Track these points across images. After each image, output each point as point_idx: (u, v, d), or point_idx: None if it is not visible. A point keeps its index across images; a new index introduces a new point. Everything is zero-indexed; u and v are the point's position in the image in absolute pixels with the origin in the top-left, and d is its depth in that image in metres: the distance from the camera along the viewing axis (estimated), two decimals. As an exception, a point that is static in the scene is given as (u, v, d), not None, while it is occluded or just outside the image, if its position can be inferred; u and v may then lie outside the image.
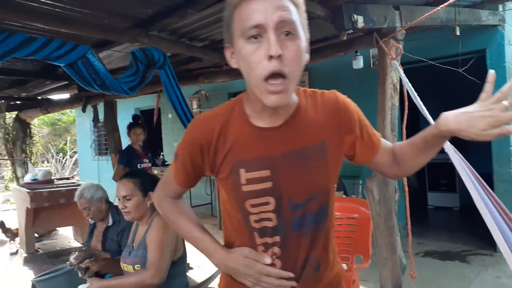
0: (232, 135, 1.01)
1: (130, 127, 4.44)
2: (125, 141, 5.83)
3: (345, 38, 2.41)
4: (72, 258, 2.54)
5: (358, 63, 3.42)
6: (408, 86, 2.25)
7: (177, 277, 2.11)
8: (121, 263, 2.13)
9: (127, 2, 2.34)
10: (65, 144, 16.96)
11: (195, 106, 7.64)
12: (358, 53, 3.72)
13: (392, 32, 2.65)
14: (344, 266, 1.09)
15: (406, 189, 2.55)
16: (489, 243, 4.52)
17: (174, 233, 2.05)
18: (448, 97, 7.50)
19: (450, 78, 4.56)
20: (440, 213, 6.72)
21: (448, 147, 1.80)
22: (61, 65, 2.30)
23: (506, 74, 4.37)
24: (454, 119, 0.92)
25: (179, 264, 2.13)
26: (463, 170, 1.67)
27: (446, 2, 2.93)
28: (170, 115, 8.30)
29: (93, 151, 10.20)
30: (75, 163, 13.02)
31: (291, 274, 1.00)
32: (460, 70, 4.27)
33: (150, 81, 2.85)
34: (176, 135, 8.31)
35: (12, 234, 5.80)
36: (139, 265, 1.99)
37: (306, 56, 0.95)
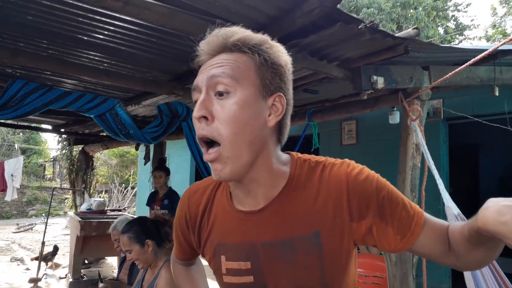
0: (215, 213, 0.91)
1: (153, 169, 4.55)
2: (176, 179, 6.13)
3: (365, 97, 2.45)
4: (101, 286, 2.76)
5: (395, 118, 3.39)
6: (424, 149, 2.22)
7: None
8: None
9: (164, 60, 2.61)
10: (130, 175, 18.02)
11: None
12: (395, 108, 3.68)
13: (418, 91, 2.64)
14: None
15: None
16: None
17: None
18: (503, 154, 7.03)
19: (509, 136, 4.32)
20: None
21: (452, 217, 1.73)
22: (91, 116, 2.60)
23: None
24: (496, 216, 0.63)
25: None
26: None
27: (483, 62, 2.87)
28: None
29: (150, 185, 10.76)
30: (135, 194, 13.75)
31: None
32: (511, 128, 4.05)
33: (179, 130, 3.09)
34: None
35: (50, 260, 6.23)
36: None
37: (267, 118, 0.79)
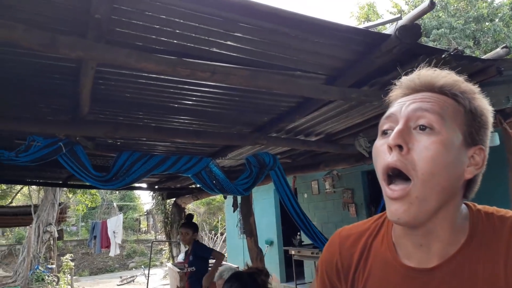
0: (374, 265, 0.82)
1: (180, 226, 4.31)
2: (262, 223, 6.16)
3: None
4: None
5: (494, 140, 3.13)
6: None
7: None
8: None
9: (246, 114, 2.74)
10: (218, 222, 18.53)
11: (328, 186, 7.74)
12: (493, 130, 3.38)
13: (519, 111, 2.44)
14: None
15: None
16: None
17: None
18: None
19: None
20: None
21: None
22: (189, 175, 2.79)
23: None
24: None
25: None
26: None
27: None
28: (305, 195, 8.53)
29: (238, 230, 10.94)
30: (225, 240, 14.04)
31: None
32: None
33: (265, 177, 3.17)
34: (312, 214, 8.42)
35: None
36: None
37: (465, 168, 0.72)
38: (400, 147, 0.69)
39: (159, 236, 14.75)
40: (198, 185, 6.57)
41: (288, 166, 4.39)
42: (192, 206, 17.52)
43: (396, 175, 0.70)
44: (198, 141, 2.86)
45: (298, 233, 8.41)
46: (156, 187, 6.24)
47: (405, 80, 0.78)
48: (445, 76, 0.75)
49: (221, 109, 2.60)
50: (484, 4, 13.29)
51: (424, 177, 0.67)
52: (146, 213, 22.64)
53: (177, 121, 2.80)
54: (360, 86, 2.17)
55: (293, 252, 7.60)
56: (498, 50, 2.06)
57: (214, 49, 1.76)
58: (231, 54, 1.81)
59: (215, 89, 2.24)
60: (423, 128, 0.69)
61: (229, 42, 1.72)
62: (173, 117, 2.72)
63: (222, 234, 16.06)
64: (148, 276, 6.73)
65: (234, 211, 5.70)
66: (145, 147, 3.38)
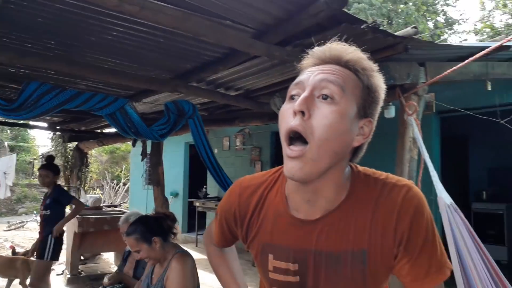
0: (267, 214, 0.93)
1: (39, 167, 4.16)
2: (170, 174, 6.19)
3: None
4: (106, 279, 2.83)
5: (390, 112, 3.49)
6: (420, 142, 2.33)
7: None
8: None
9: (168, 59, 2.66)
10: (121, 171, 17.96)
11: (238, 143, 7.95)
12: (391, 103, 3.78)
13: (415, 87, 2.75)
14: None
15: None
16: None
17: (194, 275, 2.23)
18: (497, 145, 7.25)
19: (496, 128, 4.47)
20: (487, 267, 6.31)
21: (442, 207, 1.83)
22: (102, 115, 2.66)
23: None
24: None
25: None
26: (450, 232, 1.70)
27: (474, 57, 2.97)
28: (216, 150, 8.68)
29: (143, 181, 10.77)
30: (127, 190, 13.74)
31: None
32: (502, 121, 4.20)
33: (183, 126, 3.17)
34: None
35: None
36: None
37: (355, 137, 0.82)
38: (303, 113, 0.76)
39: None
40: (104, 130, 6.28)
41: (204, 119, 4.40)
42: (95, 153, 16.68)
43: (296, 137, 0.78)
44: (114, 80, 2.72)
45: (205, 186, 8.60)
46: (58, 127, 5.80)
47: (316, 51, 0.86)
48: (352, 52, 0.84)
49: (143, 49, 2.49)
50: (402, -15, 14.22)
51: (319, 142, 0.76)
52: (41, 156, 20.96)
53: (91, 56, 2.61)
54: (284, 45, 2.25)
55: (197, 204, 7.80)
56: (408, 29, 2.28)
57: (145, -17, 1.67)
58: (162, -10, 1.74)
59: (139, 26, 2.13)
60: (325, 97, 0.77)
61: (162, -22, 1.65)
62: (88, 51, 2.53)
63: (124, 184, 15.66)
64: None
65: (142, 159, 5.59)
66: (51, 81, 3.11)
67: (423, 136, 2.61)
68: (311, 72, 0.81)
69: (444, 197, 1.97)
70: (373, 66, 0.86)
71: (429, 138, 5.11)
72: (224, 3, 1.87)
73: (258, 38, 2.18)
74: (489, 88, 3.18)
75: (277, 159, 7.36)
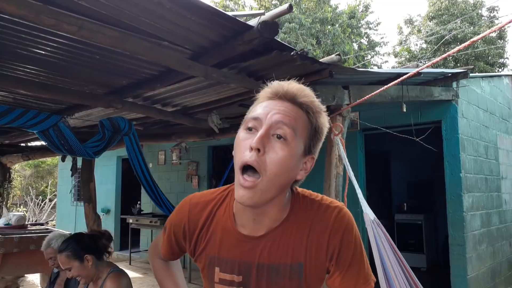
0: (215, 230, 1.02)
1: None
2: (101, 190, 5.95)
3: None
4: None
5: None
6: (345, 161, 2.55)
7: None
8: None
9: (104, 74, 2.66)
10: (46, 186, 16.83)
11: (174, 158, 7.89)
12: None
13: (340, 108, 3.00)
14: None
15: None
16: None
17: None
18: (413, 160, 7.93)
19: (413, 145, 4.92)
20: (408, 273, 6.81)
21: (368, 222, 2.03)
22: (34, 132, 2.58)
23: (459, 144, 4.76)
24: None
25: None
26: (375, 245, 1.90)
27: (392, 81, 3.31)
28: (151, 165, 8.51)
29: (72, 197, 10.23)
30: (54, 207, 12.91)
31: None
32: (417, 139, 4.66)
33: (118, 142, 3.14)
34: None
35: None
36: None
37: (299, 172, 0.93)
38: (258, 150, 0.87)
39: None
40: (30, 144, 5.93)
41: (140, 134, 4.35)
42: (18, 168, 15.48)
43: (249, 167, 0.88)
44: (46, 95, 2.65)
45: (139, 202, 8.38)
46: (-23, 141, 5.38)
47: (275, 85, 0.95)
48: (306, 95, 0.94)
49: (77, 64, 2.46)
50: (329, 8, 15.13)
51: (270, 176, 0.86)
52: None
53: (21, 70, 2.52)
54: (221, 67, 2.37)
55: (131, 221, 7.57)
56: (333, 57, 2.51)
57: (83, 3, 1.70)
58: (101, 11, 1.76)
59: (75, 42, 2.12)
60: (279, 137, 0.88)
61: (100, -1, 1.68)
62: (18, 65, 2.45)
63: (51, 200, 14.69)
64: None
65: (72, 175, 5.35)
66: (-25, 93, 2.94)
67: (348, 152, 2.85)
68: (269, 110, 0.90)
69: (368, 213, 2.18)
70: (322, 107, 0.97)
71: (354, 153, 5.50)
72: (162, 25, 1.94)
73: (196, 59, 2.27)
74: (404, 110, 3.54)
75: (214, 174, 7.41)
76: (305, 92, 0.95)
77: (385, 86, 2.37)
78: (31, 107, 2.87)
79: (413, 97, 3.92)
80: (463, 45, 1.78)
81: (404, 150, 7.65)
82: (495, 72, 14.39)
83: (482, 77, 5.84)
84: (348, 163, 2.56)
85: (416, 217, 7.17)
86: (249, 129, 0.90)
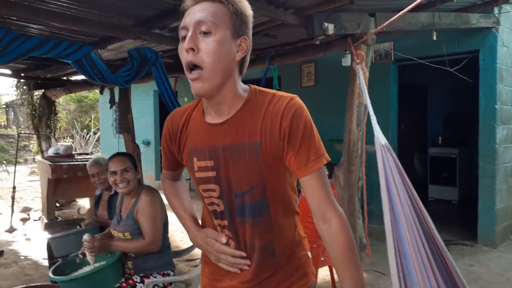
0: (190, 126, 1.17)
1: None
2: (140, 123, 6.21)
3: (318, 42, 2.73)
4: (83, 224, 3.05)
5: (346, 61, 3.70)
6: (363, 89, 2.56)
7: (165, 241, 2.54)
8: (111, 229, 2.55)
9: (130, 5, 2.73)
10: (90, 120, 17.72)
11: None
12: (347, 51, 3.98)
13: (363, 36, 2.95)
14: (309, 254, 1.25)
15: (364, 175, 2.85)
16: (473, 235, 4.80)
17: (162, 207, 2.47)
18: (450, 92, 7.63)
19: (450, 76, 4.76)
20: (438, 205, 6.81)
21: (378, 145, 2.07)
22: (69, 61, 2.75)
23: (496, 74, 4.56)
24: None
25: (165, 230, 2.55)
26: (383, 169, 1.95)
27: (425, 7, 3.17)
28: (186, 99, 8.73)
29: (114, 129, 10.78)
30: (98, 139, 13.71)
31: (243, 254, 1.13)
32: (451, 70, 4.49)
33: (148, 74, 3.27)
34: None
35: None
36: (128, 233, 2.39)
37: (236, 53, 1.05)
38: (193, 49, 0.99)
39: (22, 131, 13.62)
40: (70, 78, 6.24)
41: (170, 67, 4.49)
42: (62, 102, 16.31)
43: (194, 66, 1.01)
44: (77, 27, 2.78)
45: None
46: (23, 74, 5.72)
47: None
48: None
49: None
50: None
51: (209, 65, 0.99)
52: (5, 106, 20.28)
53: (54, 3, 2.65)
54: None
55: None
56: (355, -19, 2.44)
57: None
58: None
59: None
60: (205, 33, 0.99)
61: None
62: (51, -2, 2.57)
63: (95, 133, 15.55)
64: (15, 171, 6.43)
65: (111, 107, 5.65)
66: (13, 27, 3.12)
67: (381, 84, 2.85)
68: (190, 15, 1.01)
69: (380, 137, 2.22)
70: None
71: (387, 86, 5.40)
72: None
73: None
74: (434, 38, 3.41)
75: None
76: None
77: (408, 7, 2.29)
78: (66, 39, 3.02)
79: (447, 25, 3.73)
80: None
81: (440, 82, 7.37)
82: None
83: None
84: (366, 92, 2.58)
85: (451, 151, 7.07)
86: (183, 38, 1.02)
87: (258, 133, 1.06)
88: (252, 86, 1.15)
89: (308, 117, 1.08)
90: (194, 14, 1.00)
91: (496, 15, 4.52)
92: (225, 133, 1.09)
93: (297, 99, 1.09)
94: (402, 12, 2.50)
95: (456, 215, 6.30)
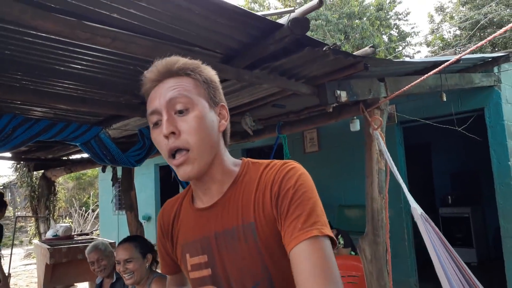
0: (181, 218, 1.03)
1: None
2: (140, 198, 6.09)
3: (331, 110, 2.67)
4: None
5: (355, 126, 3.66)
6: (386, 155, 2.46)
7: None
8: None
9: (137, 84, 2.69)
10: (89, 197, 17.46)
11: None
12: (355, 117, 3.96)
13: (377, 102, 2.91)
14: None
15: (388, 247, 2.66)
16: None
17: None
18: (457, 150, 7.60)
19: (454, 135, 4.72)
20: (457, 269, 6.52)
21: (417, 216, 1.94)
22: (77, 144, 2.66)
23: (505, 131, 4.52)
24: None
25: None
26: (428, 239, 1.81)
27: (429, 71, 3.18)
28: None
29: (113, 206, 10.53)
30: (97, 217, 13.36)
31: None
32: (459, 129, 4.46)
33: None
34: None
35: None
36: None
37: (219, 124, 0.94)
38: (173, 133, 0.88)
39: (19, 213, 13.30)
40: (71, 157, 6.15)
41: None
42: (61, 181, 16.16)
43: (176, 151, 0.89)
44: (84, 108, 2.72)
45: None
46: (23, 157, 5.64)
47: (147, 74, 0.95)
48: (176, 60, 0.94)
49: (112, 76, 2.51)
50: (356, 2, 14.83)
51: (196, 145, 0.88)
52: (2, 187, 20.03)
53: (61, 85, 2.61)
54: (252, 68, 2.34)
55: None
56: (366, 49, 2.44)
57: (115, 15, 1.73)
58: (133, 22, 1.79)
59: (110, 55, 2.17)
60: (181, 112, 0.88)
61: (132, 10, 1.70)
62: (57, 81, 2.53)
63: (93, 210, 15.21)
64: (11, 255, 6.10)
65: (113, 184, 5.52)
66: (17, 111, 3.07)
67: (387, 147, 2.75)
68: (158, 96, 0.90)
69: (416, 207, 2.09)
70: (197, 63, 0.97)
71: (394, 147, 5.34)
72: (192, 31, 1.94)
73: (227, 62, 2.26)
74: (444, 99, 3.39)
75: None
76: (172, 60, 0.94)
77: (425, 76, 2.26)
78: (71, 121, 2.96)
79: (452, 85, 3.76)
80: (504, 28, 1.66)
81: (445, 141, 7.36)
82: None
83: (525, 59, 5.51)
84: (390, 157, 2.47)
85: (463, 210, 6.86)
86: (156, 124, 0.91)
87: (251, 211, 0.90)
88: (245, 159, 1.02)
89: (303, 179, 0.89)
90: (164, 94, 0.90)
91: (496, 73, 4.59)
92: (216, 217, 0.94)
93: (292, 162, 0.95)
94: (416, 81, 2.48)
95: (481, 279, 5.91)
